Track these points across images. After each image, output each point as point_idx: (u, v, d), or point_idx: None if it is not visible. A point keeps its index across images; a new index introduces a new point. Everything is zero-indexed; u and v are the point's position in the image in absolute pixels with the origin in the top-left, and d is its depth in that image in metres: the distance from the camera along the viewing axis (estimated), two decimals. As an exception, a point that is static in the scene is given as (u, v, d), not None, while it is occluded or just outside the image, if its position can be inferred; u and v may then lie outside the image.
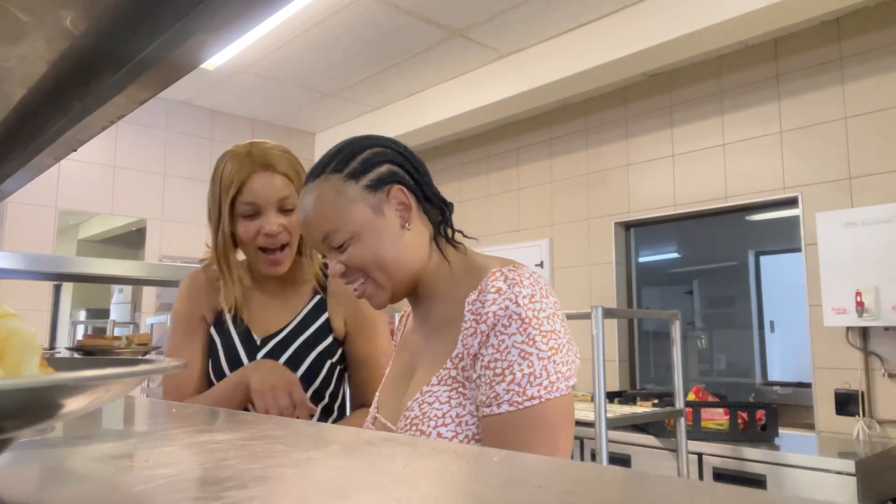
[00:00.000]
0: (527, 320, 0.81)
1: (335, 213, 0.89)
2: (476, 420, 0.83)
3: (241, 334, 1.29)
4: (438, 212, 0.97)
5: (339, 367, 1.32)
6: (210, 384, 1.28)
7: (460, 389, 0.84)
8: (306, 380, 1.24)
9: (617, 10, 3.22)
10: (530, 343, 0.80)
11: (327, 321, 1.31)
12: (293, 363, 1.25)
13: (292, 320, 1.30)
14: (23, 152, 0.63)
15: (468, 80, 3.93)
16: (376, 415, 1.00)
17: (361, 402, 1.33)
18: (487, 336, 0.82)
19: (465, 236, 0.99)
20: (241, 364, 1.26)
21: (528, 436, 0.78)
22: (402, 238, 0.91)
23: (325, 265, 1.35)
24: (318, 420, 1.26)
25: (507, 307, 0.82)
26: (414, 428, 0.84)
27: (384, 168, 0.93)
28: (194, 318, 1.32)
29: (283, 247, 1.26)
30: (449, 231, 0.97)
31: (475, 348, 0.83)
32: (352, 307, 1.32)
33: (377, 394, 1.06)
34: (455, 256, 0.96)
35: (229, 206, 1.24)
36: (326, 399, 1.28)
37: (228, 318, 1.30)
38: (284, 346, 1.26)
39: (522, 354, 0.80)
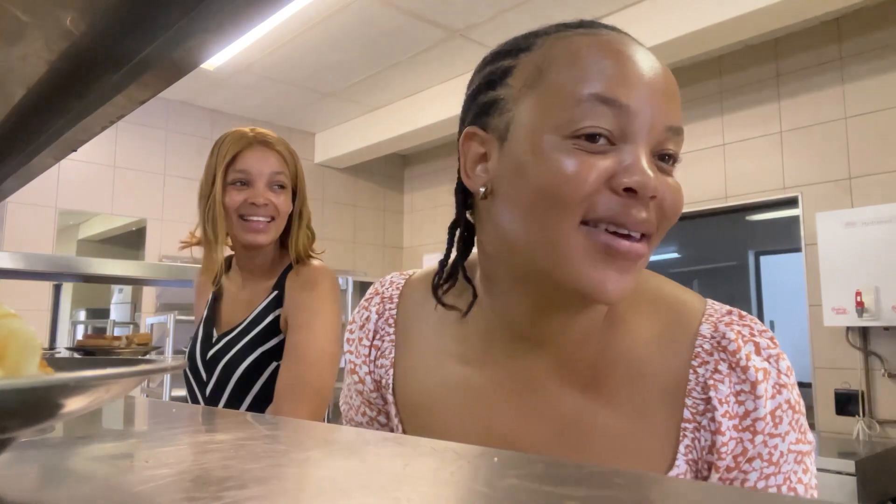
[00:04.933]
0: (794, 406, 0.56)
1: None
2: None
3: (206, 328, 1.33)
4: None
5: None
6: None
7: None
8: (247, 380, 1.21)
9: (617, 10, 3.22)
10: (804, 438, 0.56)
11: (277, 319, 1.25)
12: (236, 361, 1.22)
13: (247, 317, 1.27)
14: (23, 152, 0.63)
15: (468, 80, 3.91)
16: None
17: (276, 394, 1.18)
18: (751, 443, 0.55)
19: None
20: (195, 359, 1.28)
21: None
22: None
23: (289, 267, 1.30)
24: None
25: (774, 396, 0.56)
26: None
27: None
28: (197, 316, 1.40)
29: (267, 220, 1.26)
30: None
31: (727, 460, 0.55)
32: (292, 303, 1.24)
33: None
34: None
35: (223, 174, 1.27)
36: None
37: (205, 312, 1.36)
38: (232, 344, 1.25)
39: (798, 459, 0.56)
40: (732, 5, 2.80)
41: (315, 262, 1.32)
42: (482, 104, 0.61)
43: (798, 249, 3.15)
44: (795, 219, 3.18)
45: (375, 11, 3.21)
